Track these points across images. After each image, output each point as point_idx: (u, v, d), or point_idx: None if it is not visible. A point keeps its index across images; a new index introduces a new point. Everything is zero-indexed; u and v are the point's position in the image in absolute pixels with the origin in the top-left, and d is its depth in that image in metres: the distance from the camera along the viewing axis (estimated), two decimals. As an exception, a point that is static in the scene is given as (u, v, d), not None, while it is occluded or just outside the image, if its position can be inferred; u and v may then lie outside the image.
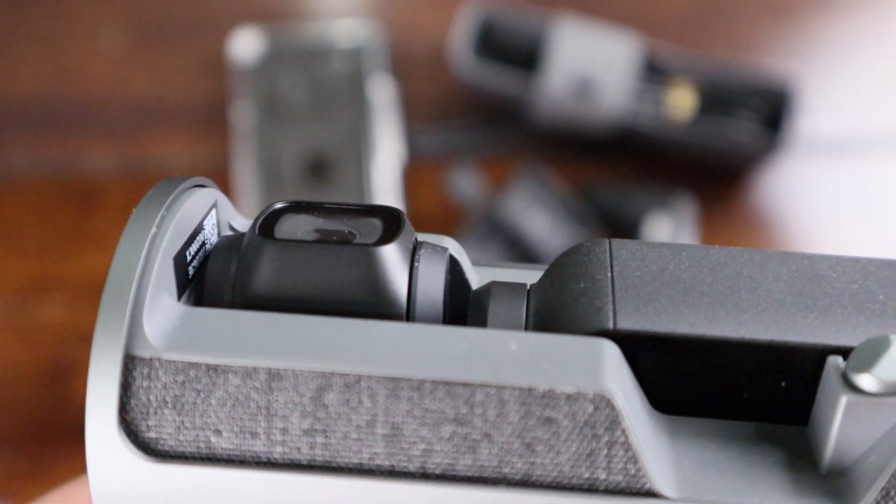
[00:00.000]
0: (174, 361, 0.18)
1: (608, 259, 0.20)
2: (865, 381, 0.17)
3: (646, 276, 0.20)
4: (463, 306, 0.21)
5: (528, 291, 0.21)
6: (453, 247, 0.22)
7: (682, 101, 0.53)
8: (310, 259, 0.19)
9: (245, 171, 0.54)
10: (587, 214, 0.53)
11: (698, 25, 0.60)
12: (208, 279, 0.21)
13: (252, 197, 0.54)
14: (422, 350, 0.18)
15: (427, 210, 0.55)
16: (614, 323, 0.19)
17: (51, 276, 0.53)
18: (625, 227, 0.53)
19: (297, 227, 0.21)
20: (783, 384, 0.19)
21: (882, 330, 0.19)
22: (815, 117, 0.56)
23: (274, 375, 0.18)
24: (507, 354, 0.18)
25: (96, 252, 0.53)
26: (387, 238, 0.20)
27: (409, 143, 0.56)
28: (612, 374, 0.18)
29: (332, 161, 0.55)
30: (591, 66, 0.52)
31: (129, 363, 0.18)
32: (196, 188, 0.21)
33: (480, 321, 0.20)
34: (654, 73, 0.54)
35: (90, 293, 0.52)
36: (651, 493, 0.18)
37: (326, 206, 0.21)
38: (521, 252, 0.51)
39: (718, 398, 0.20)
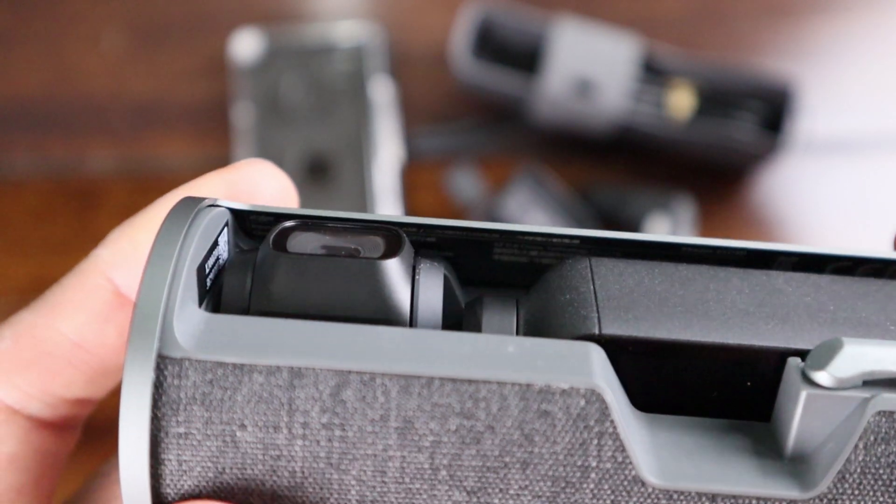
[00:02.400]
0: (203, 361, 0.20)
1: (589, 274, 0.22)
2: (822, 377, 0.20)
3: (624, 288, 0.22)
4: (457, 317, 0.23)
5: (518, 303, 0.23)
6: (445, 266, 0.23)
7: (681, 102, 0.53)
8: (321, 271, 0.21)
9: (245, 171, 0.55)
10: (586, 215, 0.53)
11: (698, 26, 0.60)
12: (226, 290, 0.22)
13: (252, 197, 0.54)
14: (430, 351, 0.20)
15: (427, 210, 0.55)
16: (599, 328, 0.21)
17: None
18: (624, 228, 0.53)
19: (307, 242, 0.22)
20: (748, 384, 0.21)
21: (833, 334, 0.21)
22: (814, 118, 0.56)
23: (296, 374, 0.20)
24: (506, 355, 0.20)
25: (97, 252, 0.53)
26: (390, 253, 0.22)
27: (409, 144, 0.56)
28: (601, 372, 0.20)
29: (332, 161, 0.55)
30: (591, 67, 0.53)
31: (161, 363, 0.20)
32: (211, 207, 0.23)
33: (475, 330, 0.22)
34: (654, 73, 0.54)
35: (91, 293, 0.52)
36: (637, 480, 0.20)
37: (331, 223, 0.23)
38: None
39: (691, 397, 0.22)
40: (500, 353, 0.20)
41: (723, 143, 0.52)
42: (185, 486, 0.20)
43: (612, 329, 0.21)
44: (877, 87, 0.58)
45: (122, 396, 0.20)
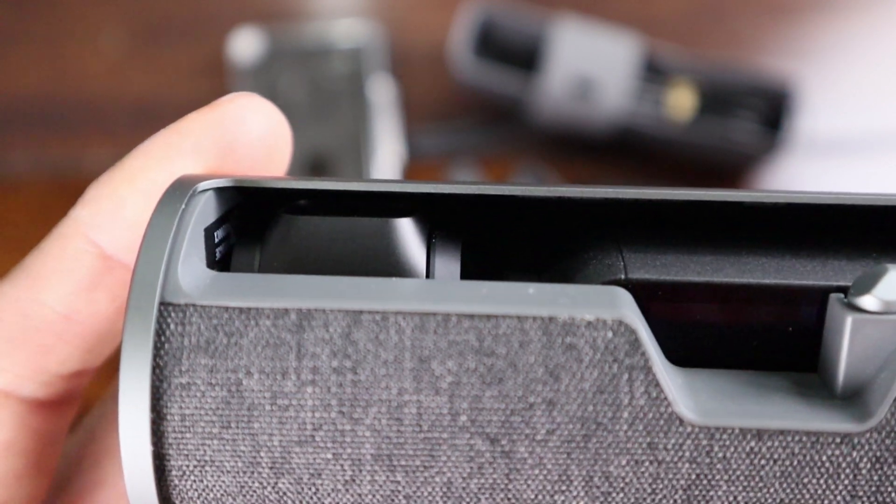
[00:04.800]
0: (207, 307, 0.19)
1: (615, 235, 0.21)
2: (867, 301, 0.18)
3: (651, 241, 0.21)
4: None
5: (540, 274, 0.22)
6: (467, 236, 0.22)
7: (682, 101, 0.53)
8: (334, 230, 0.20)
9: (245, 171, 0.54)
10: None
11: (698, 25, 0.60)
12: (235, 256, 0.22)
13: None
14: (446, 290, 0.19)
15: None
16: (626, 274, 0.20)
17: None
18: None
19: (320, 206, 0.22)
20: (790, 329, 0.20)
21: None
22: (815, 117, 0.56)
23: (304, 315, 0.19)
24: (527, 295, 0.19)
25: (96, 252, 0.53)
26: (404, 214, 0.21)
27: (409, 143, 0.56)
28: (629, 306, 0.19)
29: (332, 161, 0.55)
30: (591, 66, 0.52)
31: (164, 310, 0.19)
32: (229, 188, 0.22)
33: None
34: (654, 73, 0.54)
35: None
36: (674, 418, 0.18)
37: (344, 196, 0.22)
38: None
39: (729, 348, 0.20)
40: (520, 293, 0.19)
41: (723, 142, 0.52)
42: (189, 445, 0.19)
43: (638, 273, 0.20)
44: (878, 85, 0.58)
45: (122, 347, 0.19)
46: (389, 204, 0.22)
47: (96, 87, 0.59)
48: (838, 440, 0.18)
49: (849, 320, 0.18)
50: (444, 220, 0.22)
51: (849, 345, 0.19)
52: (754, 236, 0.22)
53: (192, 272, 0.19)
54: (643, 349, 0.18)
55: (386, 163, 0.54)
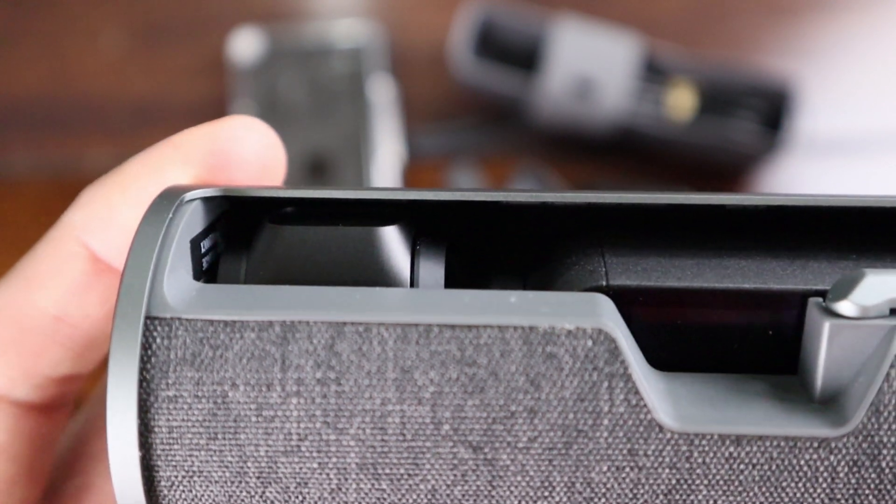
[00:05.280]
0: (193, 320, 0.19)
1: (598, 240, 0.22)
2: (845, 307, 0.19)
3: (634, 245, 0.21)
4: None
5: (525, 278, 0.22)
6: (448, 249, 0.22)
7: (682, 101, 0.53)
8: (319, 240, 0.21)
9: (245, 170, 0.54)
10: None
11: (698, 25, 0.60)
12: (222, 265, 0.22)
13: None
14: (428, 301, 0.19)
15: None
16: (607, 280, 0.20)
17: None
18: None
19: (305, 216, 0.22)
20: (770, 332, 0.20)
21: None
22: (814, 117, 0.56)
23: (288, 328, 0.19)
24: (508, 304, 0.19)
25: (96, 252, 0.53)
26: (388, 223, 0.21)
27: (409, 143, 0.56)
28: (609, 314, 0.19)
29: (332, 161, 0.55)
30: (591, 66, 0.52)
31: (150, 324, 0.19)
32: (216, 198, 0.22)
33: None
34: (654, 73, 0.54)
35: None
36: (653, 424, 0.19)
37: (330, 202, 0.22)
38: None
39: (710, 352, 0.20)
40: (501, 302, 0.19)
41: (723, 142, 0.52)
42: (177, 456, 0.19)
43: (619, 280, 0.20)
44: (878, 85, 0.58)
45: (109, 361, 0.19)
46: (375, 210, 0.22)
47: (96, 87, 0.59)
48: (816, 445, 0.19)
49: (826, 326, 0.19)
50: (429, 225, 0.22)
51: (826, 350, 0.19)
52: (737, 237, 0.22)
53: (177, 284, 0.20)
54: (622, 357, 0.19)
55: (386, 163, 0.54)
